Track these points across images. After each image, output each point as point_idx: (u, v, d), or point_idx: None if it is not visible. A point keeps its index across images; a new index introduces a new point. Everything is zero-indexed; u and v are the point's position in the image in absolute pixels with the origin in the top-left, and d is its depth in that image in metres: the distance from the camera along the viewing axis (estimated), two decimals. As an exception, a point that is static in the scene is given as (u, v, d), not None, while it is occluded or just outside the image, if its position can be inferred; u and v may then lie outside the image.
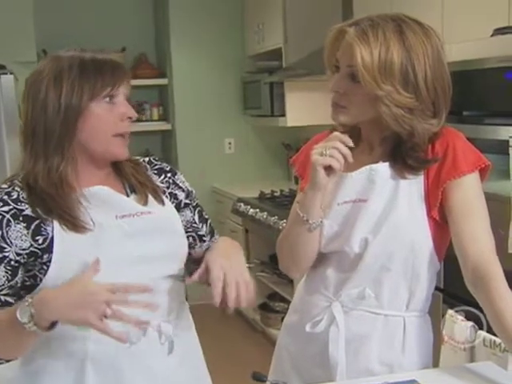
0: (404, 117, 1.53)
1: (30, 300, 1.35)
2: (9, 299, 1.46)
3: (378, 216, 1.60)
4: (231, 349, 4.36)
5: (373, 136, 1.65)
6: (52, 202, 1.46)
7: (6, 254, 1.44)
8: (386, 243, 1.59)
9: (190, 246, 1.65)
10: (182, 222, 1.63)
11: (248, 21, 5.23)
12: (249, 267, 5.10)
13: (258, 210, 4.28)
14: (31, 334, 1.36)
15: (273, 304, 4.52)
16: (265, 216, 4.11)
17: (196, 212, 1.68)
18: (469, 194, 1.56)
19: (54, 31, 5.00)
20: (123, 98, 1.51)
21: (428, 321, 1.69)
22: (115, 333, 1.34)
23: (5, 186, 1.50)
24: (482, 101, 2.35)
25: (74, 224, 1.46)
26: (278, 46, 4.65)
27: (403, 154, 1.58)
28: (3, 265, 1.44)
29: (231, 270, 1.49)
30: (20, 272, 1.46)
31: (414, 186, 1.60)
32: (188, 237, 1.65)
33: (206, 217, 1.72)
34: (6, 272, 1.44)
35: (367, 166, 1.63)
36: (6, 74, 3.56)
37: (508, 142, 1.77)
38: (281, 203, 4.25)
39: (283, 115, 4.71)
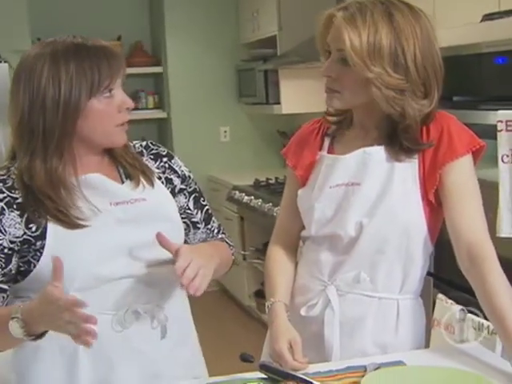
0: (395, 98, 1.54)
1: (19, 316, 1.33)
2: (3, 286, 1.46)
3: (373, 200, 1.60)
4: (227, 335, 4.37)
5: (367, 120, 1.65)
6: (48, 202, 1.44)
7: (0, 242, 1.43)
8: (381, 227, 1.60)
9: (184, 233, 1.64)
10: (176, 207, 1.62)
11: (243, 9, 5.22)
12: (244, 254, 5.09)
13: (252, 197, 4.29)
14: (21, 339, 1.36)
15: (268, 291, 4.54)
16: (259, 203, 4.12)
17: (191, 198, 1.66)
18: (464, 176, 1.58)
19: (48, 19, 4.98)
20: (120, 87, 1.47)
21: (421, 303, 1.70)
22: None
23: (1, 172, 1.49)
24: (473, 86, 2.35)
25: (69, 223, 1.44)
26: (272, 33, 4.64)
27: (399, 137, 1.58)
28: None
29: (198, 258, 1.43)
30: (14, 259, 1.46)
31: (408, 170, 1.60)
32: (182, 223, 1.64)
33: (204, 203, 1.69)
34: (0, 260, 1.44)
35: (361, 149, 1.64)
36: (0, 62, 3.55)
37: (496, 126, 1.78)
38: (276, 190, 4.25)
39: (278, 103, 4.71)
